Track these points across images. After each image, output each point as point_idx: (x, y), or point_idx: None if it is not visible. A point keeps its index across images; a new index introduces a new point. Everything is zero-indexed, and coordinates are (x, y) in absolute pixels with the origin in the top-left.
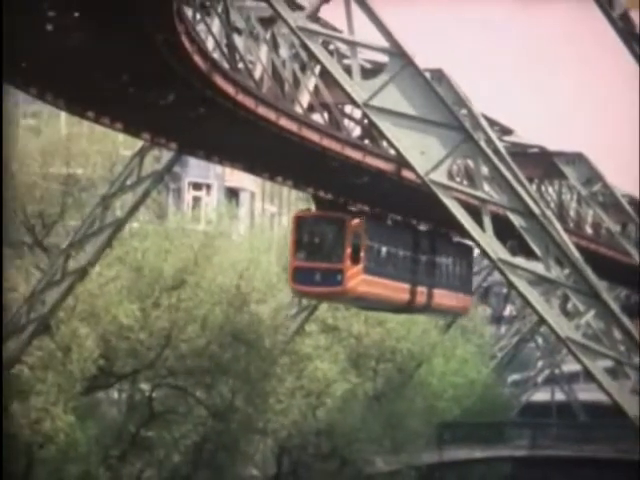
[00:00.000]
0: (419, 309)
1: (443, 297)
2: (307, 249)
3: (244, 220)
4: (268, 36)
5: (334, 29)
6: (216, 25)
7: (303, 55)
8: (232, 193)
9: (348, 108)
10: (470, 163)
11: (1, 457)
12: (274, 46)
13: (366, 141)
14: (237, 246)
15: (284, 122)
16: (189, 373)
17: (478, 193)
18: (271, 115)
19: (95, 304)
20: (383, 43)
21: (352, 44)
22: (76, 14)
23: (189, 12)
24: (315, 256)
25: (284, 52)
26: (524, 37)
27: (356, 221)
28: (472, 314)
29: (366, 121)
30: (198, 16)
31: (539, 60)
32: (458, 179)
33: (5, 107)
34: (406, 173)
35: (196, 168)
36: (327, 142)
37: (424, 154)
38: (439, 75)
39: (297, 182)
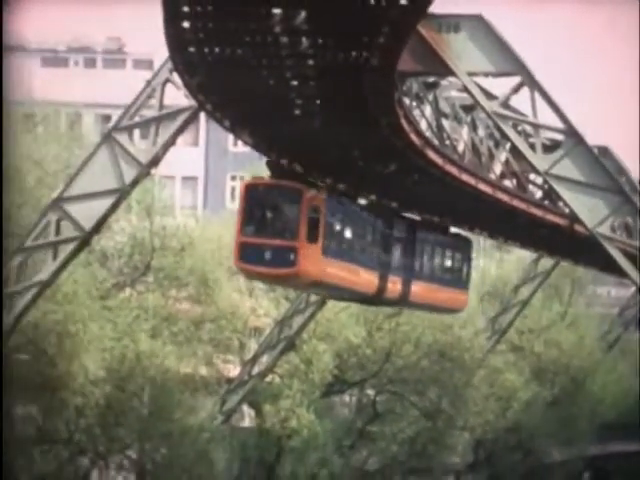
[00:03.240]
0: (392, 302)
1: (426, 291)
2: (257, 223)
3: None
4: (469, 119)
5: (521, 114)
6: (428, 110)
7: (496, 134)
8: None
9: (532, 176)
10: (628, 219)
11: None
12: (473, 127)
13: (546, 202)
14: None
15: (482, 186)
16: (405, 382)
17: (635, 243)
18: (472, 181)
19: (331, 327)
20: (560, 125)
21: (535, 126)
22: (318, 102)
23: (407, 100)
24: (265, 231)
25: (481, 132)
26: None
27: (315, 193)
28: (629, 338)
29: (546, 186)
30: (414, 104)
31: None
32: (618, 232)
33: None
34: (578, 227)
35: None
36: (516, 202)
37: (592, 212)
38: (604, 150)
39: (492, 233)
